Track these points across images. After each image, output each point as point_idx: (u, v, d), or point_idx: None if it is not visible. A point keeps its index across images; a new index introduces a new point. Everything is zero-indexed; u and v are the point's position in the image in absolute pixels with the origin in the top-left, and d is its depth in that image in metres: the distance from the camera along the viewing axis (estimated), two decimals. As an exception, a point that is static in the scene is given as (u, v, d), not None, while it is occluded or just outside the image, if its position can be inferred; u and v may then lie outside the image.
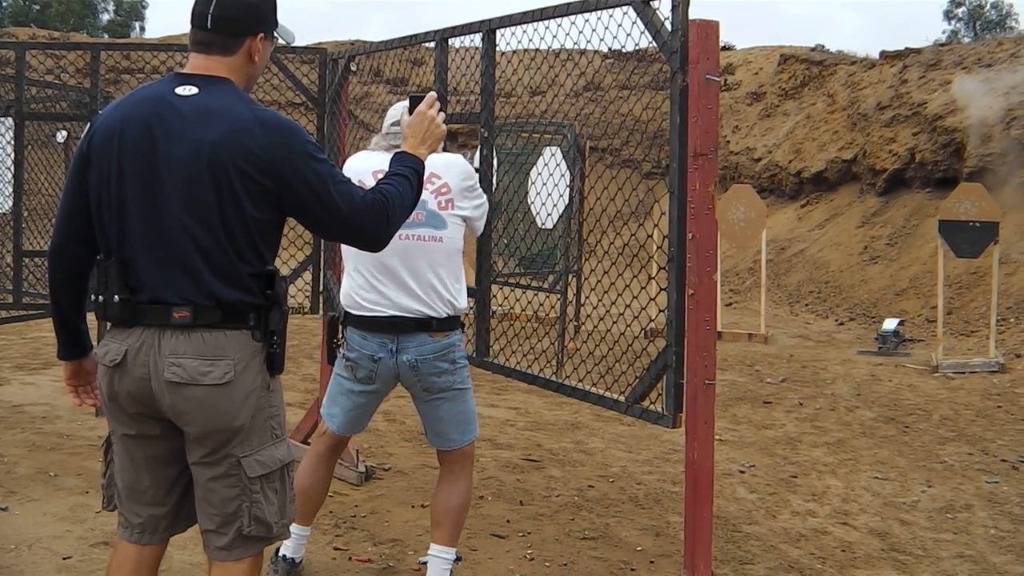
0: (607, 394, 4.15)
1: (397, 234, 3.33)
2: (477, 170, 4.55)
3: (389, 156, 3.40)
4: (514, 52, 4.96)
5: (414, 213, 3.40)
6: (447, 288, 4.26)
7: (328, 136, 6.22)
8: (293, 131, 2.97)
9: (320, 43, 7.45)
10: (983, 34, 63.08)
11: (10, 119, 6.91)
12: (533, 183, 8.83)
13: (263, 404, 3.01)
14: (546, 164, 7.82)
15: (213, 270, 2.89)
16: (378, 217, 3.04)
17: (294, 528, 4.35)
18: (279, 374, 3.07)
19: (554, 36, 4.59)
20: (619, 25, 4.10)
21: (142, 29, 46.73)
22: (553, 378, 4.55)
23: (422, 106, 3.31)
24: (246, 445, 2.98)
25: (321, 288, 6.32)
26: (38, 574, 4.63)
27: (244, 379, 2.94)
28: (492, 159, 4.86)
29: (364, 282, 4.25)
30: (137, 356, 2.90)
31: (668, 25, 3.70)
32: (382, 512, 5.60)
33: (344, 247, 4.37)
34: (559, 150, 9.40)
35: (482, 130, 4.82)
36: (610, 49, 4.74)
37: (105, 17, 47.01)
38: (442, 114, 3.36)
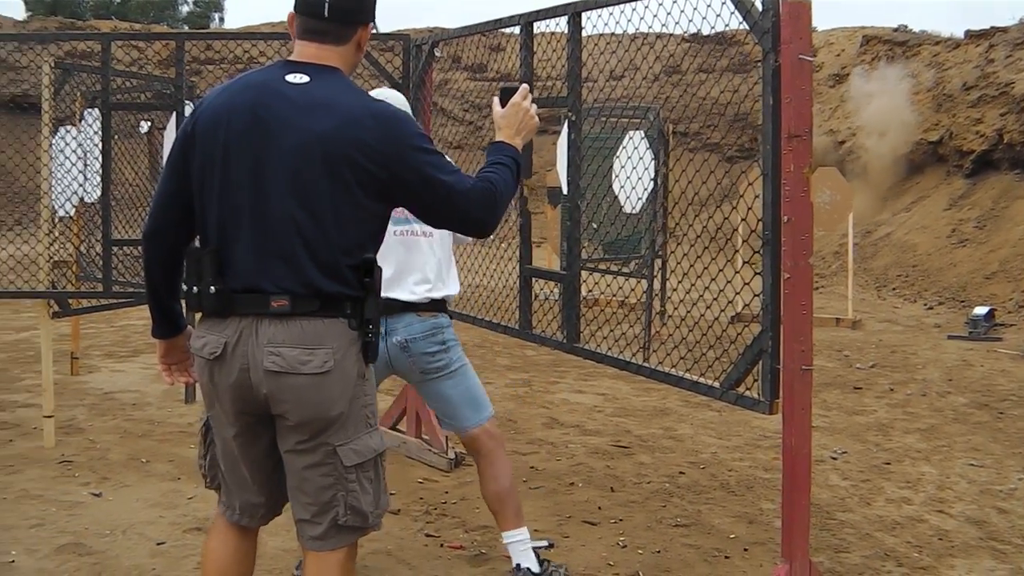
0: (702, 380, 4.10)
1: (392, 230, 3.58)
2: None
3: None
4: (588, 36, 4.92)
5: (407, 211, 3.44)
6: (439, 277, 4.49)
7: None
8: (404, 122, 2.98)
9: (399, 30, 7.41)
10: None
11: (97, 110, 6.99)
12: (620, 168, 8.76)
13: (359, 393, 3.00)
14: (632, 149, 7.76)
15: (316, 262, 2.88)
16: (486, 204, 3.05)
17: None
18: (373, 363, 3.07)
19: (641, 18, 4.53)
20: (708, 5, 4.05)
21: (221, 20, 47.16)
22: (645, 364, 4.50)
23: (516, 97, 3.32)
24: (342, 434, 2.97)
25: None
26: (132, 559, 4.71)
27: (342, 368, 2.93)
28: (579, 144, 4.81)
29: None
30: (236, 347, 2.90)
31: (759, 4, 3.64)
32: (472, 499, 5.59)
33: None
34: (643, 134, 9.32)
35: (569, 114, 4.78)
36: (688, 33, 4.69)
37: (185, 9, 47.53)
38: (534, 106, 3.36)
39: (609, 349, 4.80)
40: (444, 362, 4.46)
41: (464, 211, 3.03)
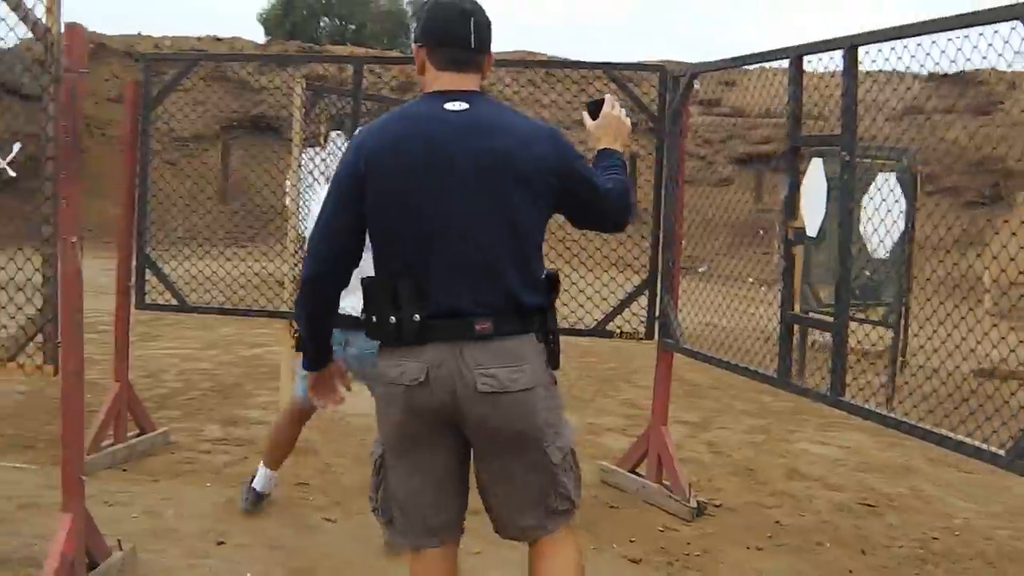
0: (984, 446, 3.77)
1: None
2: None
3: None
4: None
5: None
6: None
7: (668, 157, 6.04)
8: (561, 135, 3.24)
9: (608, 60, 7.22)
10: None
11: (342, 132, 7.05)
12: (873, 210, 8.37)
13: (552, 395, 3.24)
14: (887, 191, 7.42)
15: (519, 275, 3.08)
16: (627, 203, 3.37)
17: (265, 472, 5.60)
18: (556, 369, 3.29)
19: (927, 54, 4.25)
20: (1005, 41, 3.76)
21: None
22: (935, 429, 4.16)
23: (606, 108, 3.52)
24: (548, 437, 3.19)
25: (657, 313, 6.13)
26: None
27: (540, 379, 3.16)
28: (853, 187, 4.54)
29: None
30: (439, 372, 3.04)
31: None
32: (714, 551, 5.36)
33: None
34: (895, 176, 8.89)
35: (843, 154, 4.52)
36: (934, 72, 4.49)
37: (416, 36, 48.54)
38: (623, 110, 3.56)
39: (866, 401, 4.52)
40: None
41: (612, 210, 3.34)
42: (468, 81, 3.18)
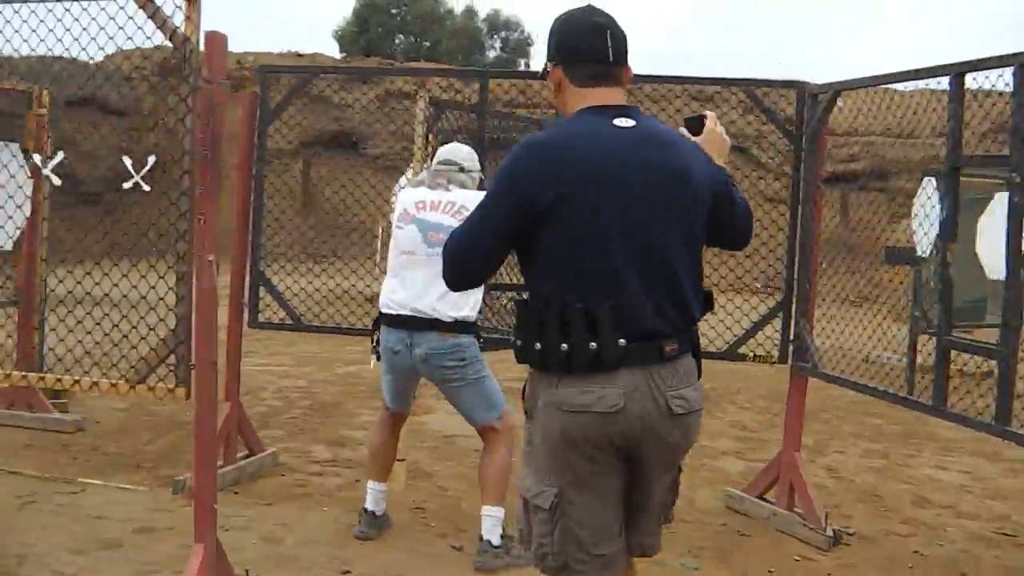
0: None
1: (428, 251, 5.05)
2: None
3: (434, 192, 5.21)
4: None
5: (442, 236, 4.78)
6: (465, 299, 5.04)
7: (805, 175, 5.90)
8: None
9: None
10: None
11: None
12: (992, 230, 8.15)
13: None
14: (996, 210, 7.21)
15: (694, 293, 3.06)
16: (751, 221, 3.35)
17: (373, 485, 5.55)
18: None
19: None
20: None
21: (527, 66, 47.79)
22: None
23: (709, 124, 3.43)
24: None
25: (792, 336, 6.00)
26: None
27: None
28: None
29: (395, 288, 5.20)
30: (634, 396, 2.94)
31: None
32: (858, 584, 5.18)
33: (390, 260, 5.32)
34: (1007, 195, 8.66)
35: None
36: None
37: (492, 54, 48.46)
38: (722, 128, 3.49)
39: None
40: (460, 375, 5.14)
41: (740, 227, 3.31)
42: (617, 95, 3.10)
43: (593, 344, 2.90)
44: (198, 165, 3.91)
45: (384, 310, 5.20)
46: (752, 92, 6.15)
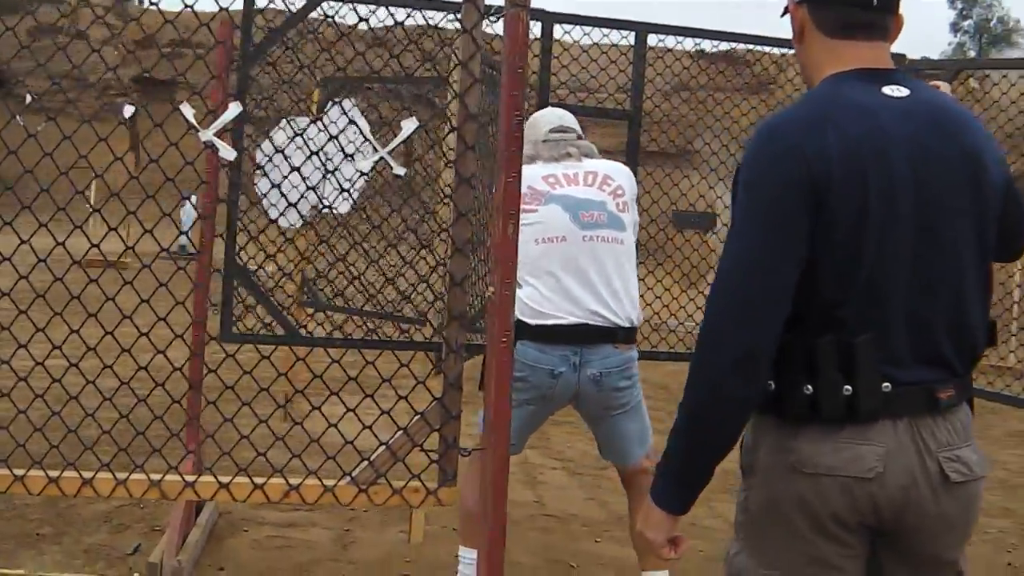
0: None
1: (582, 235, 4.03)
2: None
3: (562, 164, 4.19)
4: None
5: (596, 213, 4.00)
6: (629, 294, 4.16)
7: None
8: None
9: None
10: (988, 48, 67.54)
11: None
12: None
13: None
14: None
15: (982, 321, 2.30)
16: None
17: (467, 553, 4.36)
18: None
19: None
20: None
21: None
22: None
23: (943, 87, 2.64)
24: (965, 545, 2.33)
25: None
26: None
27: None
28: None
29: (545, 289, 4.09)
30: (896, 457, 2.19)
31: None
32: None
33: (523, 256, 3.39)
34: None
35: None
36: None
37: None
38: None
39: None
40: (628, 399, 4.21)
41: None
42: (883, 54, 2.34)
43: (847, 387, 2.18)
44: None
45: (534, 321, 4.05)
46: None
